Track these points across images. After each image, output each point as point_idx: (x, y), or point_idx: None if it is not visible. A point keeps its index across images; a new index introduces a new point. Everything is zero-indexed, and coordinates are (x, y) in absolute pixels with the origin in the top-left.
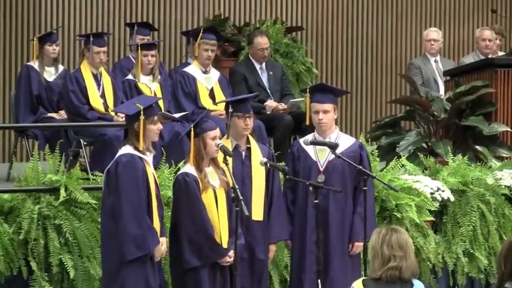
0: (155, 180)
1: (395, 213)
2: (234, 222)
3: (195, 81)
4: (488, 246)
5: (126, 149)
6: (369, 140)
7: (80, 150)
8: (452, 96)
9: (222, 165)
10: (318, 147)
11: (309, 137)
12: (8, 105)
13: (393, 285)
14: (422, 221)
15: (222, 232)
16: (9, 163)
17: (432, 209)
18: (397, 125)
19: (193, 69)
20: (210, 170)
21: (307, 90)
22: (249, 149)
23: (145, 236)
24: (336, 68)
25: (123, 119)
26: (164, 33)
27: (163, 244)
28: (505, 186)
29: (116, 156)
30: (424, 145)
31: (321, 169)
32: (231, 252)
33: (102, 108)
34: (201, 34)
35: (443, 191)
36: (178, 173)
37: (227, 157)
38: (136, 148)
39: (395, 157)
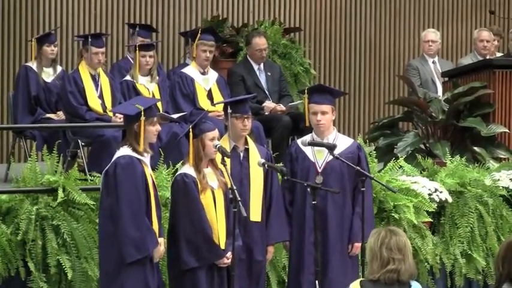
0: (153, 181)
1: (393, 214)
2: (231, 223)
3: (193, 82)
4: (486, 247)
5: (125, 151)
6: (367, 141)
7: (78, 151)
8: (450, 97)
9: (220, 166)
10: (316, 148)
11: (307, 137)
12: (6, 105)
13: (391, 287)
14: (420, 222)
15: (220, 233)
16: (7, 164)
17: (430, 210)
18: (395, 126)
19: (191, 70)
20: (208, 171)
21: (305, 91)
22: (247, 150)
23: (145, 238)
24: (334, 69)
25: (121, 119)
26: (162, 34)
27: (161, 245)
28: (502, 187)
29: (114, 158)
30: (422, 146)
31: (319, 170)
32: (229, 254)
33: (100, 109)
34: (199, 35)
35: (441, 192)
36: (176, 174)
37: (225, 158)
38: (134, 149)
39: (393, 158)
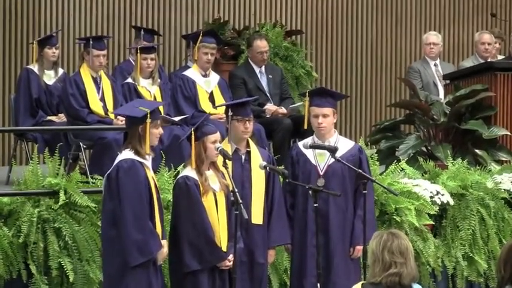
0: (155, 184)
1: (394, 217)
2: (233, 225)
3: (195, 85)
4: (488, 250)
5: (127, 154)
6: (369, 143)
7: (80, 153)
8: (451, 100)
9: (222, 168)
10: (317, 151)
11: (308, 140)
12: (7, 108)
13: None
14: (421, 225)
15: (221, 236)
16: (9, 166)
17: (432, 213)
18: (397, 129)
19: (192, 72)
20: (210, 174)
21: (307, 94)
22: (248, 153)
23: (148, 241)
24: (335, 72)
25: (123, 122)
26: (164, 37)
27: (164, 247)
28: (504, 190)
29: (117, 161)
30: (424, 149)
31: (321, 173)
32: (231, 256)
33: (101, 112)
34: (200, 37)
35: (442, 194)
36: (178, 177)
37: (227, 161)
38: (137, 152)
39: (395, 161)
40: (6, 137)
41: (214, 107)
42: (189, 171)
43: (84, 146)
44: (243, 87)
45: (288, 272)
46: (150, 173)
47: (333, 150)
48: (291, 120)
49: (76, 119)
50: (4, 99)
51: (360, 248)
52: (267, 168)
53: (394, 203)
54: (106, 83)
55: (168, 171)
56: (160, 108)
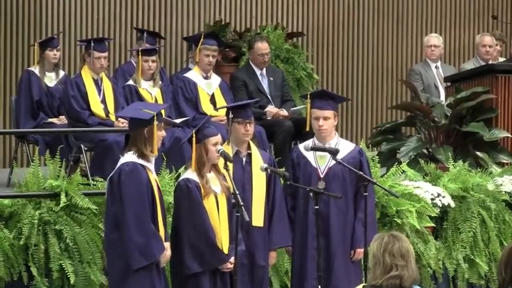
0: (158, 187)
1: (395, 219)
2: (234, 228)
3: (196, 87)
4: (489, 252)
5: (129, 157)
6: (370, 145)
7: (81, 155)
8: (452, 102)
9: (223, 171)
10: (318, 153)
11: (309, 142)
12: (8, 110)
13: None
14: (422, 227)
15: (223, 238)
16: (10, 168)
17: (433, 215)
18: (398, 131)
19: (194, 74)
20: (211, 176)
21: (308, 96)
22: (249, 155)
23: (151, 244)
24: (336, 74)
25: (124, 124)
26: (165, 39)
27: (167, 249)
28: (505, 192)
29: (119, 164)
30: (425, 151)
31: (321, 176)
32: (232, 258)
33: (102, 114)
34: (202, 40)
35: (443, 197)
36: (179, 179)
37: (228, 163)
38: (141, 155)
39: (396, 163)
40: (7, 139)
41: (215, 109)
42: (190, 174)
43: (85, 148)
44: (244, 89)
45: (289, 274)
46: (153, 176)
47: (334, 153)
48: (292, 122)
49: (77, 121)
50: (5, 101)
51: (360, 250)
52: (268, 170)
53: (395, 205)
54: (107, 85)
55: (169, 173)
56: (162, 110)
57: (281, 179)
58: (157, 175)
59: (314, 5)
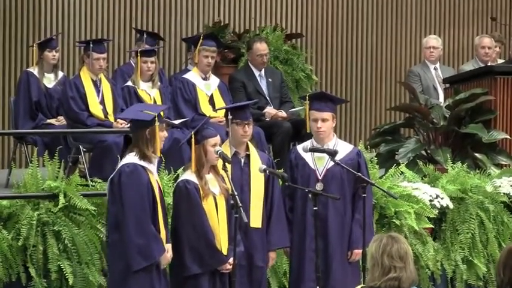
0: (160, 188)
1: (394, 221)
2: (233, 229)
3: (195, 88)
4: (487, 253)
5: (131, 158)
6: (368, 147)
7: (79, 156)
8: (451, 104)
9: (222, 172)
10: (316, 155)
11: (307, 144)
12: (7, 111)
13: None
14: (421, 228)
15: (222, 239)
16: (8, 169)
17: (431, 216)
18: (397, 132)
19: (193, 75)
20: (210, 177)
21: (307, 97)
22: (248, 156)
23: (151, 246)
24: (335, 75)
25: (122, 125)
26: (164, 40)
27: (168, 251)
28: (504, 193)
29: (120, 165)
30: (423, 152)
31: (319, 177)
32: (231, 259)
33: (101, 115)
34: (201, 41)
35: (442, 198)
36: (178, 180)
37: (226, 164)
38: (143, 156)
39: (395, 164)
40: (5, 140)
41: (214, 110)
42: (189, 175)
43: (84, 149)
44: (243, 90)
45: (287, 276)
46: (154, 177)
47: (332, 154)
48: (291, 123)
49: (76, 122)
50: (4, 102)
51: (357, 251)
52: (267, 171)
53: (393, 206)
54: (106, 86)
55: (168, 175)
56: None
57: (279, 180)
58: None
59: (313, 6)
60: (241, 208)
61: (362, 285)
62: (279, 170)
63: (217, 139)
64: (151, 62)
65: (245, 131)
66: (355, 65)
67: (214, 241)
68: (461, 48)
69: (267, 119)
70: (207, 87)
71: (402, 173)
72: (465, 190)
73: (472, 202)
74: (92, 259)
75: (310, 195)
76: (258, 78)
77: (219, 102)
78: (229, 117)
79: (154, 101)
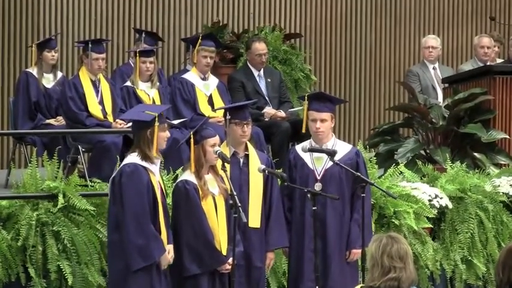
0: (161, 189)
1: (393, 220)
2: (232, 229)
3: (194, 88)
4: (487, 253)
5: (132, 158)
6: (367, 147)
7: (78, 156)
8: (450, 103)
9: (221, 172)
10: (314, 155)
11: (306, 144)
12: (6, 111)
13: None
14: (420, 228)
15: (221, 239)
16: (8, 170)
17: (430, 216)
18: (396, 132)
19: (192, 75)
20: (209, 178)
21: (305, 98)
22: (247, 156)
23: (150, 246)
24: (334, 75)
25: (121, 125)
26: (164, 40)
27: (170, 252)
28: (503, 193)
29: (121, 165)
30: (423, 152)
31: (318, 177)
32: (231, 260)
33: (100, 115)
34: (200, 41)
35: (441, 198)
36: (178, 181)
37: (225, 164)
38: (144, 156)
39: (394, 164)
40: (5, 140)
41: (213, 110)
42: (188, 175)
43: (83, 149)
44: (242, 90)
45: (287, 275)
46: (155, 178)
47: (331, 154)
48: (290, 123)
49: (75, 122)
50: (3, 103)
51: (355, 251)
52: (266, 171)
53: (392, 206)
54: (105, 86)
55: (167, 175)
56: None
57: (279, 180)
58: None
59: (312, 6)
60: (240, 208)
61: (361, 285)
62: (278, 170)
63: (216, 139)
64: (150, 62)
65: (244, 131)
66: (354, 65)
67: (213, 241)
68: (460, 48)
69: (266, 119)
70: (206, 87)
71: (401, 172)
72: (464, 190)
73: (471, 202)
74: (91, 259)
75: (309, 195)
76: (257, 78)
77: (218, 102)
78: (228, 117)
79: (153, 101)
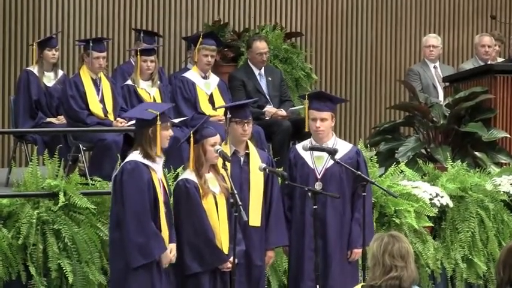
0: (164, 187)
1: (394, 219)
2: (232, 227)
3: (195, 87)
4: (487, 252)
5: (134, 156)
6: (368, 145)
7: (79, 155)
8: (451, 102)
9: (222, 171)
10: (315, 154)
11: (307, 143)
12: (7, 110)
13: None
14: (421, 227)
15: (222, 238)
16: (8, 168)
17: (431, 215)
18: (396, 131)
19: (192, 74)
20: (210, 176)
21: (306, 97)
22: (247, 155)
23: (150, 244)
24: (335, 74)
25: (122, 124)
26: (164, 39)
27: (172, 251)
28: (503, 192)
29: (123, 163)
30: (423, 151)
31: (318, 176)
32: (232, 258)
33: (101, 113)
34: (200, 40)
35: (442, 197)
36: (178, 179)
37: (226, 162)
38: (146, 155)
39: (395, 163)
40: (5, 139)
41: (214, 108)
42: (189, 174)
43: (84, 148)
44: (243, 89)
45: (287, 274)
46: (157, 176)
47: (332, 152)
48: (291, 122)
49: (76, 121)
50: (4, 101)
51: (357, 251)
52: (267, 170)
53: (393, 205)
54: (106, 85)
55: (168, 173)
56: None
57: (279, 178)
58: None
59: (312, 5)
60: (240, 207)
61: (362, 283)
62: (279, 169)
63: (216, 138)
64: (151, 61)
65: (244, 129)
66: (354, 64)
67: (214, 239)
68: (461, 46)
69: (267, 118)
70: (206, 86)
71: (402, 171)
72: (465, 189)
73: (472, 201)
74: (91, 258)
75: (309, 194)
76: (258, 77)
77: (219, 101)
78: (229, 116)
79: (154, 100)
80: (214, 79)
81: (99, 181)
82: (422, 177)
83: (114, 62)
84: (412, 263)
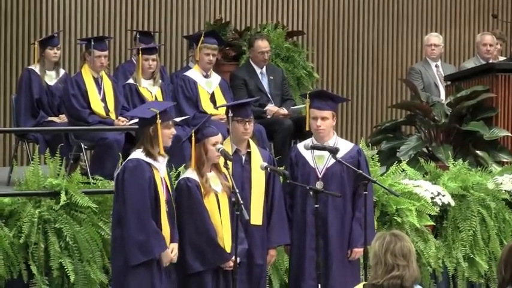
0: (166, 186)
1: (395, 218)
2: (234, 226)
3: (196, 85)
4: (489, 251)
5: (136, 154)
6: (370, 144)
7: (81, 154)
8: (453, 101)
9: (224, 170)
10: (316, 153)
11: (308, 141)
12: (8, 108)
13: None
14: (422, 226)
15: (225, 237)
16: (10, 167)
17: (432, 214)
18: (398, 130)
19: (194, 73)
20: (211, 175)
21: (307, 95)
22: (249, 154)
23: (150, 242)
24: (336, 72)
25: (124, 122)
26: (165, 38)
27: (173, 250)
28: (505, 191)
29: (125, 161)
30: (425, 150)
31: (320, 176)
32: (234, 257)
33: (103, 112)
34: (202, 38)
35: (443, 195)
36: (180, 178)
37: (227, 161)
38: (148, 153)
39: (396, 162)
40: (7, 138)
41: (215, 107)
42: (190, 173)
43: (85, 147)
44: (244, 88)
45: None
46: (159, 174)
47: (333, 151)
48: (292, 121)
49: (77, 120)
50: (5, 100)
51: (357, 250)
52: (268, 169)
53: (395, 203)
54: (107, 84)
55: (170, 172)
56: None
57: (281, 177)
58: None
59: (314, 3)
60: (242, 205)
61: (364, 282)
62: (280, 168)
63: (218, 138)
64: (153, 60)
65: (246, 128)
66: (356, 63)
67: (216, 238)
68: (463, 45)
69: (268, 117)
70: (208, 85)
71: (403, 170)
72: (466, 187)
73: (473, 199)
74: (93, 256)
75: (311, 193)
76: (259, 76)
77: (220, 99)
78: (230, 114)
79: (156, 99)
80: (215, 78)
81: (101, 180)
82: (423, 176)
83: (116, 60)
84: (414, 262)
